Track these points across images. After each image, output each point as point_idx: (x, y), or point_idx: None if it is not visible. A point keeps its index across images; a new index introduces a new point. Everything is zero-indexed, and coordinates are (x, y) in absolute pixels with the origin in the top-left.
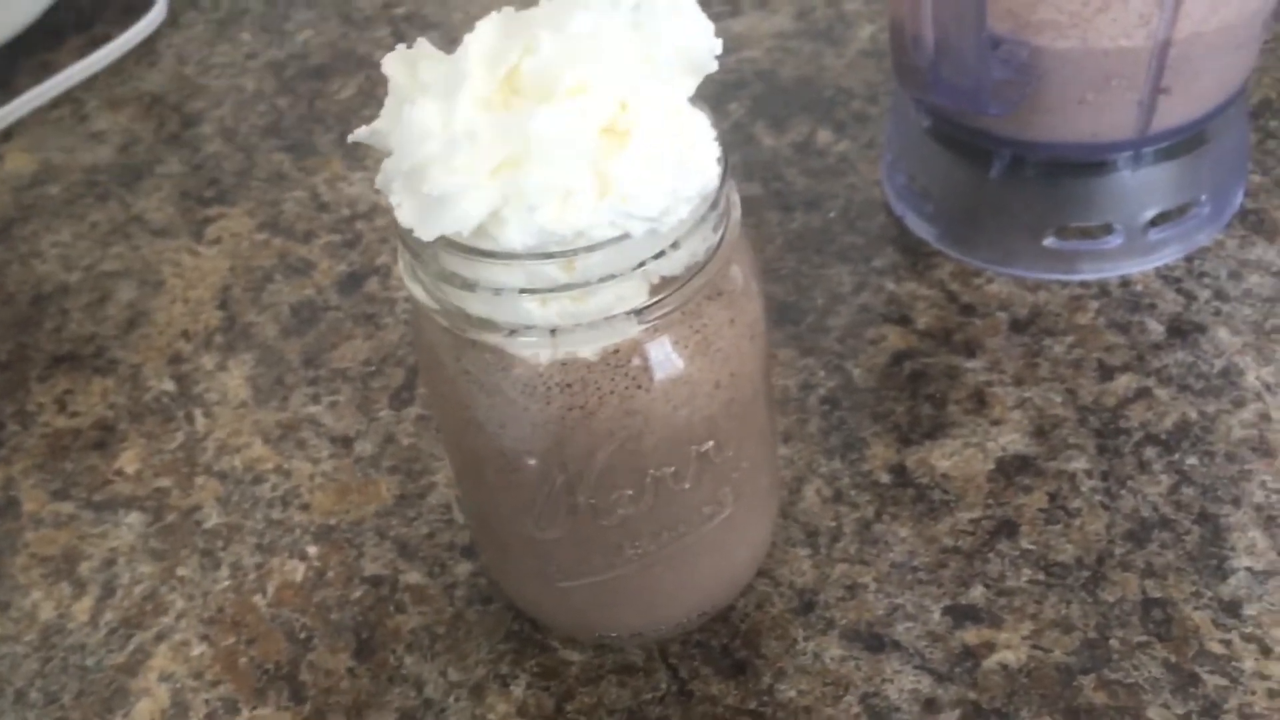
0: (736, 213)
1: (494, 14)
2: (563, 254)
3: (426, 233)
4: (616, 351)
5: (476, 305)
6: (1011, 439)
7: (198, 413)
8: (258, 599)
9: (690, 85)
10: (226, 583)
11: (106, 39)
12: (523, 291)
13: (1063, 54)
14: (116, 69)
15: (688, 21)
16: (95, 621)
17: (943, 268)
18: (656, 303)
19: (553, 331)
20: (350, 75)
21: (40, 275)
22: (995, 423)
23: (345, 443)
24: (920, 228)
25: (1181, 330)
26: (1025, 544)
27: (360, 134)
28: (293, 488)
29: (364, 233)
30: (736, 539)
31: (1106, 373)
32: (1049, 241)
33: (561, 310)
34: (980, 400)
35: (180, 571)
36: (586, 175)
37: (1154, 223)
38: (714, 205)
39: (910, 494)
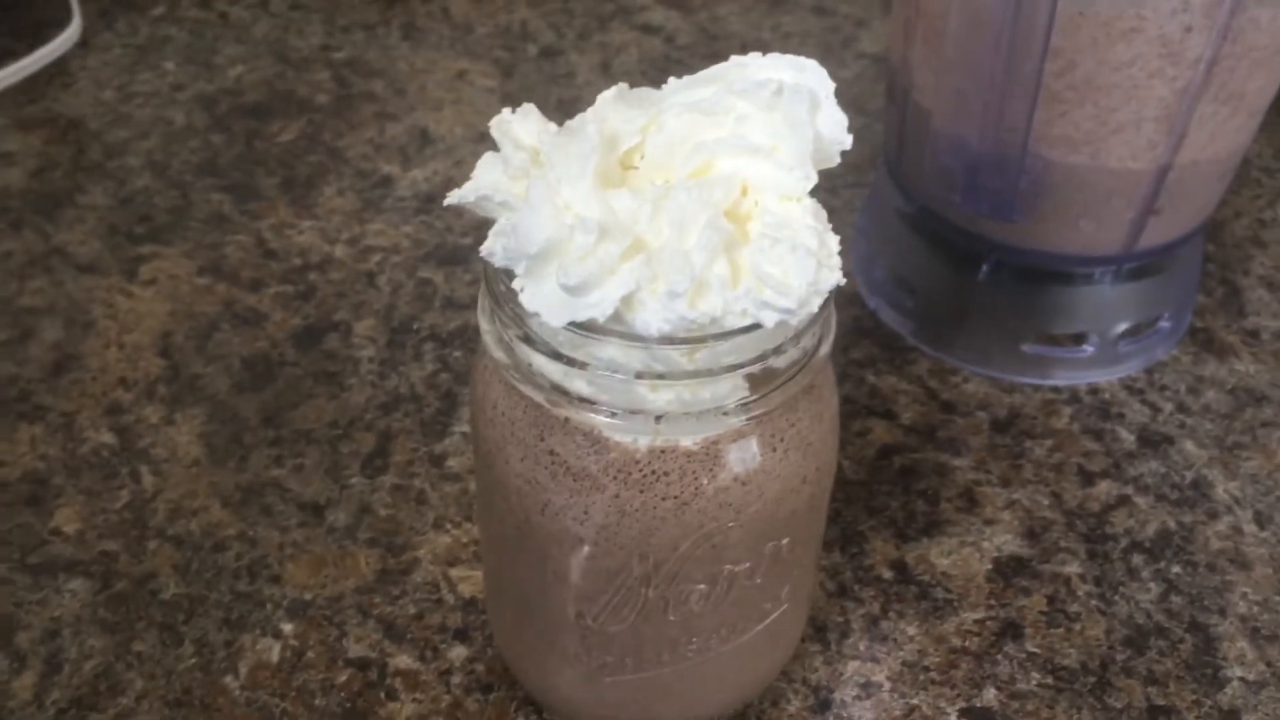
0: (833, 312)
1: (614, 89)
2: (693, 341)
3: (558, 319)
4: (716, 443)
5: (581, 385)
6: (1005, 539)
7: (144, 470)
8: (229, 680)
9: (812, 177)
10: (192, 660)
11: (11, 54)
12: (639, 376)
13: (1072, 169)
14: (25, 87)
15: (827, 113)
16: (40, 700)
17: (919, 364)
18: (764, 396)
19: (658, 418)
20: (291, 118)
21: None
22: (988, 522)
23: (316, 511)
24: (897, 322)
25: (1151, 441)
26: (1031, 647)
27: (460, 196)
28: (260, 557)
29: (318, 285)
30: (783, 637)
31: (1087, 478)
32: (1028, 347)
33: (673, 397)
34: (971, 499)
35: (137, 647)
36: (721, 261)
37: (1123, 336)
38: (827, 301)
39: (914, 591)
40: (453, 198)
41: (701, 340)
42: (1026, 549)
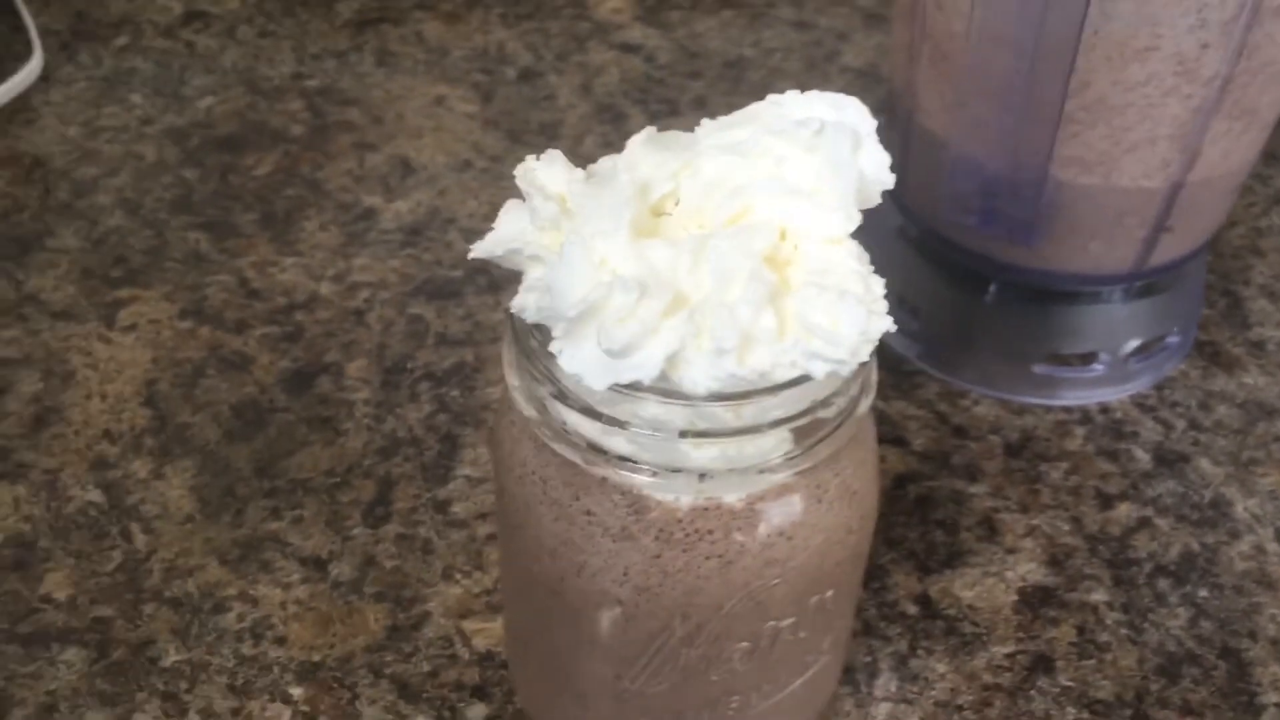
0: (874, 357)
1: (643, 133)
2: (740, 396)
3: (601, 381)
4: (762, 498)
5: (620, 443)
6: (1029, 568)
7: (135, 528)
8: None
9: (855, 218)
10: None
11: None
12: (682, 434)
13: (1084, 189)
14: None
15: (869, 152)
16: None
17: (927, 387)
18: (810, 448)
19: (702, 476)
20: (266, 150)
21: None
22: (1010, 551)
23: (318, 565)
24: (902, 345)
25: (1167, 460)
26: (1064, 680)
27: (487, 249)
28: (263, 617)
29: (306, 325)
30: (821, 687)
31: (1106, 501)
32: (1037, 367)
33: (717, 454)
34: (991, 527)
35: (139, 718)
36: (767, 313)
37: (1133, 353)
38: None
39: (941, 626)
40: (479, 250)
41: (749, 395)
42: (1051, 577)
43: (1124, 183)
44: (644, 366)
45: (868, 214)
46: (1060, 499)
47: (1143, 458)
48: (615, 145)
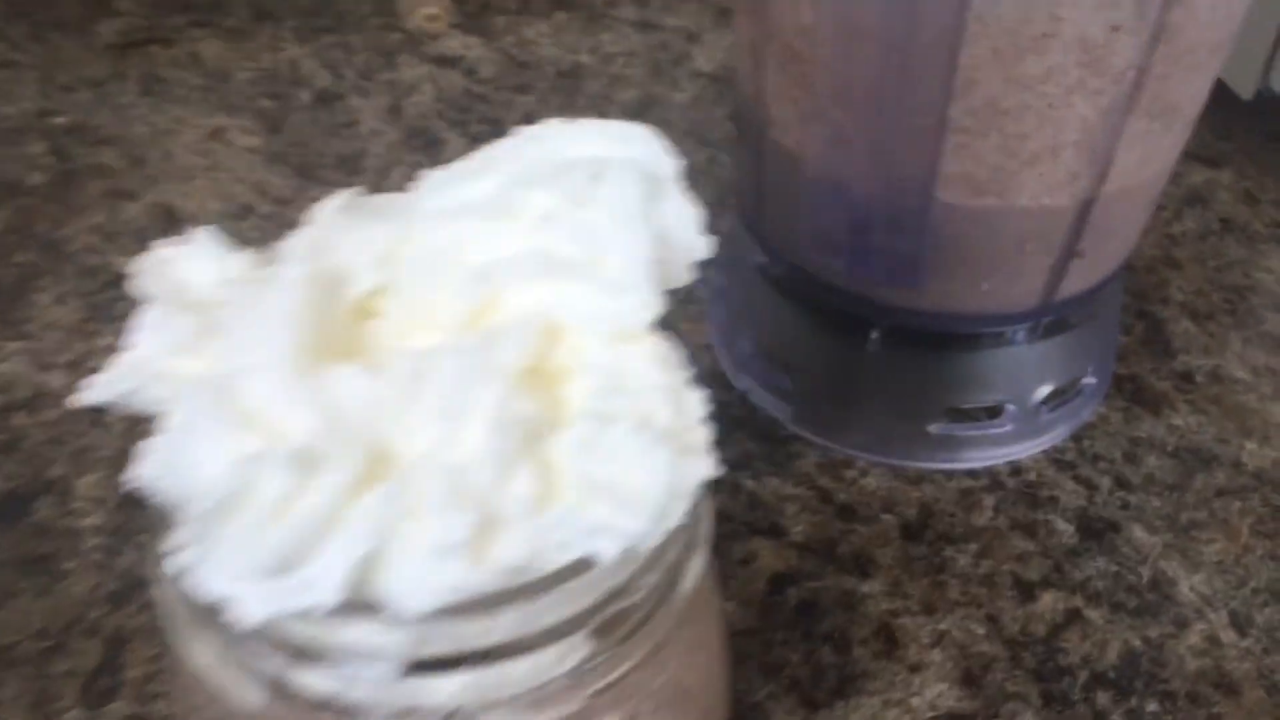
0: (707, 501)
1: (341, 196)
2: (490, 603)
3: (256, 609)
4: None
5: (323, 682)
6: (938, 691)
7: None
8: None
9: (653, 302)
10: None
11: None
12: (411, 667)
13: (976, 214)
14: None
15: (671, 204)
16: None
17: (805, 458)
18: (613, 654)
19: (450, 716)
20: None
21: None
22: (914, 669)
23: None
24: (773, 406)
25: (1094, 530)
26: None
27: (96, 395)
28: None
29: (26, 431)
30: None
31: (1026, 591)
32: (934, 427)
33: (469, 683)
34: (890, 638)
35: None
36: (522, 473)
37: (1045, 401)
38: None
39: None
40: (89, 396)
41: (502, 601)
42: (967, 700)
43: (1024, 202)
44: (319, 584)
45: (723, 249)
46: (971, 592)
47: (1065, 530)
48: None
